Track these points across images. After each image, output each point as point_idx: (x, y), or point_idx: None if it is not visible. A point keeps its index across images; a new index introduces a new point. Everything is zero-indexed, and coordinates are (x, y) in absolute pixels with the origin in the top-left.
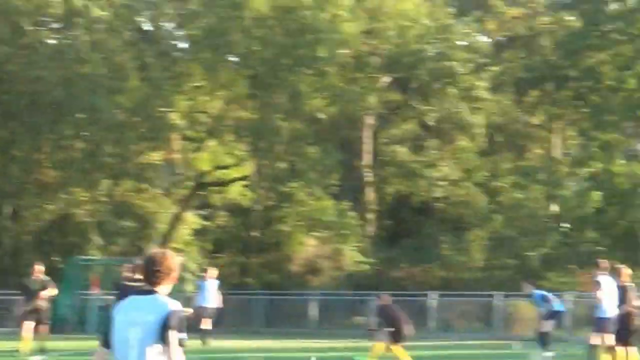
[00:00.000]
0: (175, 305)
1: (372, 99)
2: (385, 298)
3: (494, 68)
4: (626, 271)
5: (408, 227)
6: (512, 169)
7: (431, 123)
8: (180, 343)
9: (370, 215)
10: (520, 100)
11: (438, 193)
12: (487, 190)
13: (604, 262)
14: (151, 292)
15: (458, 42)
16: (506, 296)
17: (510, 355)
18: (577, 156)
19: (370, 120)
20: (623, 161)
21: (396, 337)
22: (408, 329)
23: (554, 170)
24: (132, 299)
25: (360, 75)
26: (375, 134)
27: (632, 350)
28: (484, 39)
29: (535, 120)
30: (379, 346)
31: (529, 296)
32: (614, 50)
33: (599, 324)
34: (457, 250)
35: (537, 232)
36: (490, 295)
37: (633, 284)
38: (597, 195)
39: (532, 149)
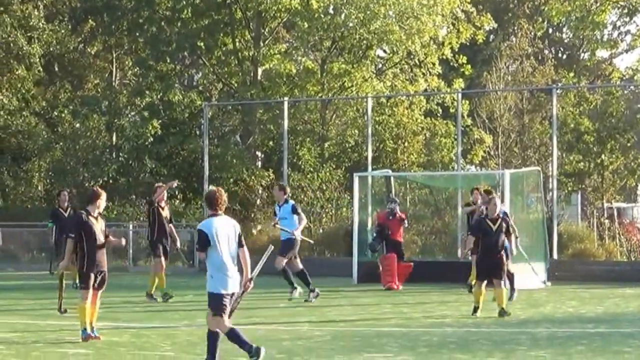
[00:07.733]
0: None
1: None
2: None
3: None
4: None
5: None
6: (71, 99)
7: None
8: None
9: None
10: (77, 30)
11: None
12: (46, 120)
13: None
14: (222, 214)
15: None
16: None
17: None
18: (136, 86)
19: None
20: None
21: None
22: None
23: (113, 100)
24: (219, 218)
25: None
26: None
27: None
28: None
29: (93, 49)
30: None
31: None
32: None
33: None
34: (17, 181)
35: (97, 162)
36: None
37: None
38: (155, 124)
39: (91, 78)
